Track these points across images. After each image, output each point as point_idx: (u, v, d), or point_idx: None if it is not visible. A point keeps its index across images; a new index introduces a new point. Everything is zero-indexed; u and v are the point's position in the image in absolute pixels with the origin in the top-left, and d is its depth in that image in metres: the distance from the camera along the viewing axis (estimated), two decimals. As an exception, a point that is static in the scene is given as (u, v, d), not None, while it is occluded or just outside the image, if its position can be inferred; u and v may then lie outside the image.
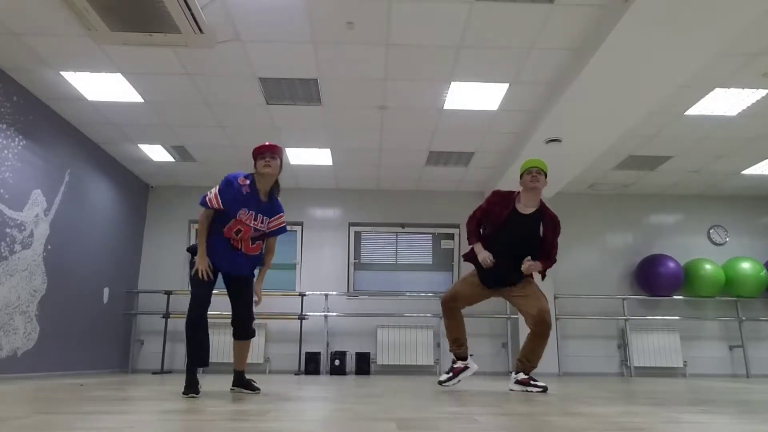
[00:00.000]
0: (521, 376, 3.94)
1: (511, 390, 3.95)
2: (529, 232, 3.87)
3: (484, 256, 3.87)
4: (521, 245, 3.89)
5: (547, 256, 3.91)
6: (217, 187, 3.34)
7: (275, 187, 3.46)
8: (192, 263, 3.46)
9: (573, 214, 8.63)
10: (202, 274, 3.34)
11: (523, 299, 3.91)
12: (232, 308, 3.61)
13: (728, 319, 8.19)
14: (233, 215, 3.32)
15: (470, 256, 4.07)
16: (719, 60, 4.90)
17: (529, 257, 3.88)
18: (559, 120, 5.65)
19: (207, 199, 3.32)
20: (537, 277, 4.00)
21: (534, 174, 3.86)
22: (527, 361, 3.92)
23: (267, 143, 3.38)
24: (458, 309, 4.11)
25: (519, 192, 3.99)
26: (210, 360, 3.63)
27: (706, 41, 4.21)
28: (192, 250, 3.53)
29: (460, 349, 4.13)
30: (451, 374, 4.15)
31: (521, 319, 4.18)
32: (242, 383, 3.68)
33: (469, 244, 4.06)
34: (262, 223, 3.39)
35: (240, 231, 3.38)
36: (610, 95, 5.11)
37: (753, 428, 1.94)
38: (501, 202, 3.94)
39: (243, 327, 3.59)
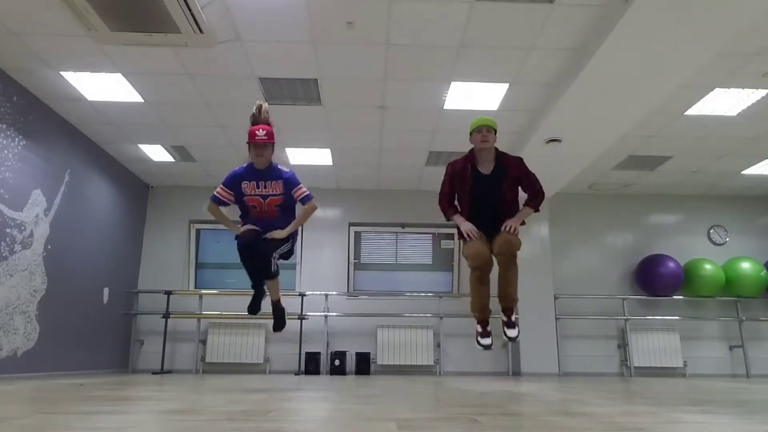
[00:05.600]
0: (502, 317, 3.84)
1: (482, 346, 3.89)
2: (498, 190, 3.76)
3: (467, 227, 3.76)
4: (497, 202, 3.78)
5: (533, 195, 3.79)
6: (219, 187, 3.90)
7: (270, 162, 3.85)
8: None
9: (573, 214, 8.63)
10: (243, 235, 3.76)
11: (498, 238, 3.71)
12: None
13: (728, 319, 8.19)
14: (241, 192, 3.79)
15: (448, 216, 3.99)
16: (719, 60, 4.90)
17: (507, 224, 3.66)
18: (559, 120, 5.65)
19: (215, 193, 3.89)
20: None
21: (484, 133, 3.72)
22: (503, 296, 3.75)
23: (258, 135, 3.66)
24: (489, 270, 3.82)
25: (470, 151, 3.86)
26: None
27: (706, 41, 4.21)
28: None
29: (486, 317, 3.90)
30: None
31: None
32: (274, 311, 4.13)
33: (448, 220, 3.97)
34: (266, 188, 3.80)
35: (255, 207, 3.84)
36: (610, 95, 5.10)
37: (753, 428, 1.94)
38: (460, 168, 3.84)
39: (262, 268, 3.89)
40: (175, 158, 7.47)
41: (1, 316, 5.21)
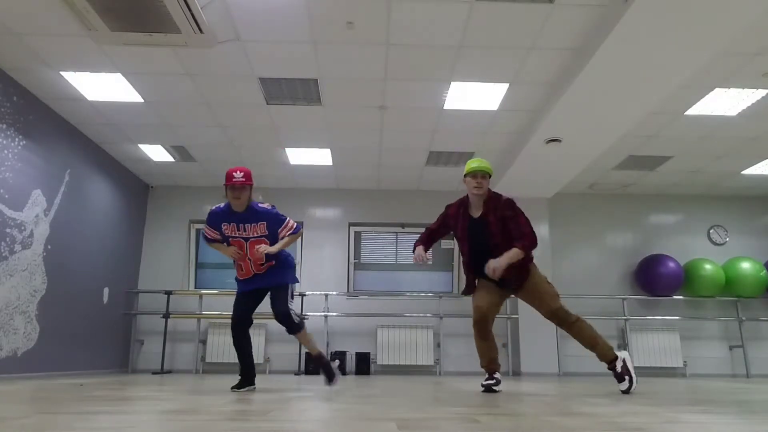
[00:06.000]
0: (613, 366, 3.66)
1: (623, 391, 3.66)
2: (488, 233, 3.70)
3: (418, 253, 3.89)
4: (488, 245, 3.70)
5: (519, 236, 3.60)
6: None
7: (248, 203, 3.76)
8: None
9: (573, 214, 8.63)
10: (234, 255, 3.80)
11: (535, 302, 3.80)
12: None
13: (728, 319, 8.19)
14: (223, 234, 3.80)
15: (469, 291, 3.93)
16: (719, 60, 4.90)
17: (488, 266, 3.58)
18: (559, 120, 5.65)
19: (203, 234, 3.97)
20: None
21: (479, 179, 3.69)
22: (592, 349, 3.68)
23: (235, 177, 3.61)
24: (490, 326, 3.84)
25: (466, 195, 3.87)
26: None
27: (706, 41, 4.21)
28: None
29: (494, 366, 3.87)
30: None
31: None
32: (316, 367, 4.17)
33: (417, 244, 3.98)
34: (245, 230, 3.75)
35: (240, 252, 3.79)
36: (611, 95, 5.11)
37: (753, 428, 1.94)
38: (454, 213, 3.85)
39: (286, 327, 3.86)
40: (175, 158, 7.47)
41: (1, 316, 5.21)
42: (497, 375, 3.85)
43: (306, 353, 3.62)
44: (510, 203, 3.70)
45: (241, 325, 3.87)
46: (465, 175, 3.81)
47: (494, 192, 3.82)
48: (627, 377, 3.58)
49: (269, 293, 3.89)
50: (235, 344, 3.88)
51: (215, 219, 3.77)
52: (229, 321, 3.93)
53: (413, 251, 3.99)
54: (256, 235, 3.74)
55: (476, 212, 3.79)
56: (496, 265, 3.51)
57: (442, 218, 3.99)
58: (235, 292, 3.98)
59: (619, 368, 3.60)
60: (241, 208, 3.70)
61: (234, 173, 3.60)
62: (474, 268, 3.83)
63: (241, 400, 2.99)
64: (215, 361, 7.70)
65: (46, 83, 5.47)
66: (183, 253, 8.36)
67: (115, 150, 7.22)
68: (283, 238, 3.76)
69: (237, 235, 3.74)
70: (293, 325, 3.80)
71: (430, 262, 3.96)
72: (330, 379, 3.92)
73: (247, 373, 3.85)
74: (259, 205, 3.77)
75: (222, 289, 8.02)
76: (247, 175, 3.64)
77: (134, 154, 7.35)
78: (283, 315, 3.77)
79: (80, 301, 6.62)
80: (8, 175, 5.29)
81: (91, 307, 6.91)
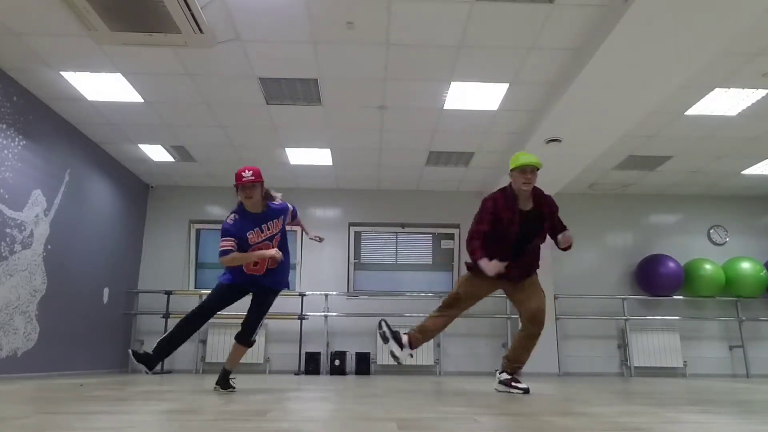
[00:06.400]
0: (504, 376, 3.86)
1: (496, 390, 3.90)
2: (536, 228, 3.77)
3: (496, 267, 3.61)
4: (531, 240, 3.80)
5: (564, 229, 3.82)
6: (221, 242, 3.62)
7: (264, 198, 3.74)
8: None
9: (573, 214, 8.60)
10: (277, 256, 3.66)
11: (524, 296, 3.83)
12: (247, 313, 3.88)
13: (728, 319, 8.19)
14: (247, 243, 3.65)
15: (474, 266, 3.86)
16: (719, 60, 4.90)
17: (566, 232, 3.76)
18: (559, 120, 5.65)
19: (221, 249, 3.60)
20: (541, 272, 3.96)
21: (528, 175, 3.69)
22: (515, 360, 3.84)
23: (244, 176, 3.58)
24: (460, 311, 3.94)
25: (509, 187, 3.82)
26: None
27: (706, 41, 4.21)
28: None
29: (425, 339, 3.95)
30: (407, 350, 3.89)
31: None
32: (225, 382, 3.86)
33: (474, 261, 3.74)
34: (268, 230, 3.72)
35: (274, 255, 3.67)
36: (611, 95, 5.10)
37: (753, 428, 1.94)
38: (503, 206, 3.75)
39: (248, 334, 3.81)
40: (175, 158, 7.47)
41: (1, 316, 5.21)
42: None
43: (229, 365, 3.51)
44: (552, 201, 3.86)
45: (208, 315, 3.74)
46: (512, 170, 3.76)
47: (535, 186, 3.82)
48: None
49: (253, 294, 3.85)
50: (185, 329, 3.67)
51: (236, 229, 3.61)
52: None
53: (475, 261, 3.72)
54: (277, 231, 3.76)
55: (526, 205, 3.78)
56: (569, 234, 3.74)
57: (491, 216, 3.75)
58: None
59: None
60: (257, 208, 3.67)
61: (243, 173, 3.58)
62: (509, 255, 3.73)
63: (241, 400, 2.99)
64: (215, 361, 7.68)
65: (46, 83, 5.47)
66: (183, 253, 8.36)
67: (115, 150, 7.22)
68: (297, 224, 3.96)
69: (263, 238, 3.69)
70: (253, 337, 3.82)
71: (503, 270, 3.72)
72: (227, 387, 3.82)
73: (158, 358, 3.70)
74: (273, 203, 3.78)
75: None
76: (257, 174, 3.60)
77: (134, 154, 7.35)
78: (258, 323, 3.81)
79: (80, 301, 6.62)
80: (8, 175, 5.28)
81: (91, 307, 6.91)
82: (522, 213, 3.74)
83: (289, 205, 3.92)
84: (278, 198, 3.83)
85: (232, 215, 3.66)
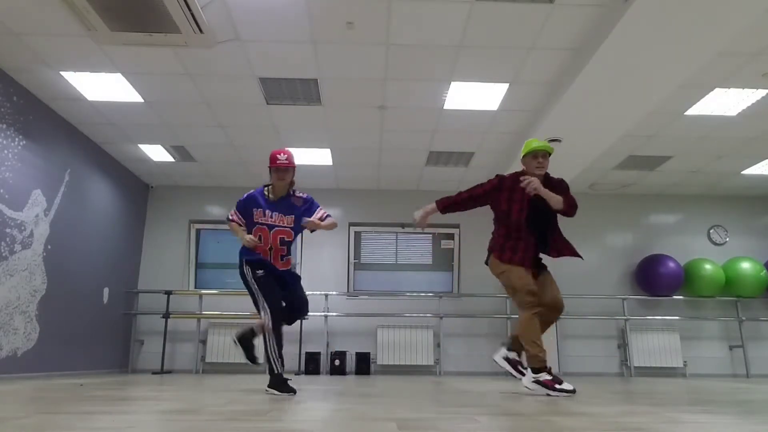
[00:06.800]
0: (514, 355, 3.84)
1: (494, 361, 3.86)
2: (543, 212, 3.77)
3: (422, 215, 3.89)
4: (545, 222, 3.80)
5: (572, 203, 3.77)
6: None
7: (290, 185, 3.80)
8: (250, 275, 3.71)
9: (573, 214, 8.61)
10: (249, 243, 3.66)
11: (543, 286, 3.80)
12: (287, 302, 3.88)
13: (728, 319, 8.19)
14: (251, 219, 3.72)
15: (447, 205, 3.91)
16: (719, 60, 4.90)
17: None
18: (559, 120, 5.65)
19: (229, 214, 3.85)
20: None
21: (539, 159, 3.75)
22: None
23: (279, 159, 3.67)
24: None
25: (523, 171, 3.85)
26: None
27: (706, 41, 4.21)
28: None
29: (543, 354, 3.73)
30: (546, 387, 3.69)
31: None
32: (249, 341, 3.85)
33: (443, 208, 3.89)
34: (272, 218, 3.72)
35: (261, 237, 3.69)
36: (610, 95, 5.11)
37: (753, 428, 1.94)
38: (511, 186, 3.77)
39: (297, 316, 3.95)
40: (175, 158, 7.47)
41: (1, 316, 5.21)
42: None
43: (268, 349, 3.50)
44: (562, 180, 3.89)
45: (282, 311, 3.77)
46: (524, 155, 3.83)
47: (546, 172, 3.87)
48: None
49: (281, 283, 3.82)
50: (280, 339, 3.68)
51: (249, 201, 3.72)
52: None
53: (444, 208, 3.85)
54: (282, 225, 3.73)
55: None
56: (536, 184, 3.62)
57: (490, 187, 3.79)
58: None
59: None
60: (282, 192, 3.73)
61: (278, 155, 3.67)
62: (524, 232, 3.73)
63: (241, 400, 2.99)
64: (215, 361, 7.69)
65: (46, 83, 5.47)
66: (183, 253, 8.36)
67: (115, 150, 7.22)
68: (323, 219, 3.77)
69: (263, 221, 3.70)
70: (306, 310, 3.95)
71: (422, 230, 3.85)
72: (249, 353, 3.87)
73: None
74: (294, 195, 3.80)
75: (222, 289, 8.01)
76: (290, 158, 3.71)
77: (134, 154, 7.35)
78: (304, 310, 3.94)
79: (80, 301, 6.62)
80: (8, 175, 5.28)
81: (91, 307, 6.91)
82: (534, 197, 3.74)
83: (315, 202, 3.91)
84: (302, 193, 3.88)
85: (258, 188, 3.79)
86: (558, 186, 3.85)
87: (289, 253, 3.83)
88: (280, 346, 3.63)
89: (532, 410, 2.50)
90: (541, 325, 3.76)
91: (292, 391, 3.45)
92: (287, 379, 3.57)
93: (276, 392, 3.48)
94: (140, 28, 4.38)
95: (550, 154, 3.82)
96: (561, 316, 4.27)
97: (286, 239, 3.75)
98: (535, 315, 3.67)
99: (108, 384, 4.51)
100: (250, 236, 3.66)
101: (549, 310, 3.80)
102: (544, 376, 3.68)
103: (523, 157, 3.85)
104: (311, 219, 3.70)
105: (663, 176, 7.97)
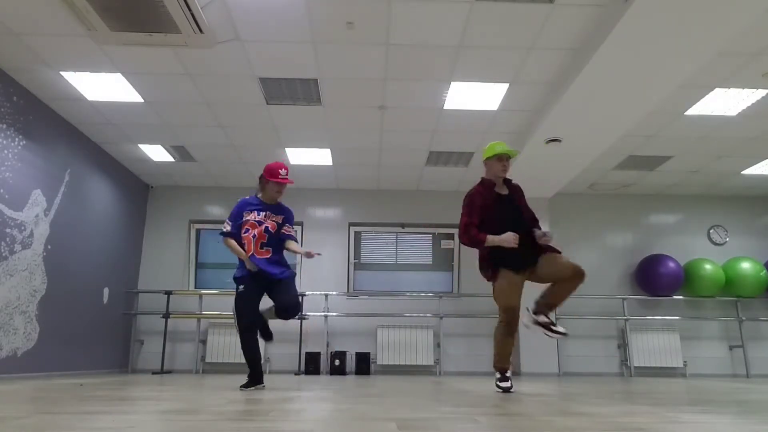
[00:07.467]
0: (543, 318, 3.83)
1: (525, 325, 3.92)
2: (515, 211, 3.90)
3: (507, 237, 3.68)
4: (514, 224, 3.81)
5: (534, 221, 3.97)
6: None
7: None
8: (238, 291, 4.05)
9: (573, 214, 8.62)
10: (252, 267, 3.95)
11: (553, 267, 3.75)
12: (276, 303, 4.04)
13: (728, 319, 8.19)
14: (243, 218, 3.97)
15: (487, 265, 3.89)
16: (719, 60, 4.90)
17: (544, 231, 3.80)
18: (559, 120, 5.65)
19: (222, 227, 4.03)
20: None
21: (504, 162, 3.93)
22: (552, 302, 3.82)
23: (281, 174, 3.96)
24: (518, 322, 3.94)
25: (484, 178, 4.03)
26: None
27: (706, 41, 4.21)
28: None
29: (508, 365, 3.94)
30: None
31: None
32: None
33: (485, 245, 3.80)
34: (265, 217, 3.97)
35: (248, 230, 3.94)
36: (610, 95, 5.11)
37: (753, 428, 1.94)
38: (482, 193, 3.94)
39: (286, 317, 4.08)
40: (175, 158, 7.47)
41: (1, 316, 5.21)
42: (509, 373, 3.95)
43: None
44: (519, 186, 4.09)
45: (254, 324, 4.05)
46: (488, 158, 3.97)
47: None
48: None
49: (269, 288, 4.03)
50: (248, 346, 4.05)
51: (243, 206, 4.01)
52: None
53: (485, 244, 3.79)
54: (269, 225, 3.99)
55: (502, 190, 3.99)
56: (549, 237, 3.78)
57: (479, 209, 3.86)
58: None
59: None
60: (275, 201, 4.07)
61: (280, 171, 3.95)
62: (505, 251, 3.76)
63: (241, 400, 2.99)
64: (215, 361, 7.70)
65: (46, 83, 5.47)
66: (183, 253, 8.36)
67: (115, 150, 7.22)
68: (290, 236, 4.09)
69: (255, 219, 3.95)
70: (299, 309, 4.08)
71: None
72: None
73: (256, 371, 4.07)
74: (282, 203, 4.16)
75: (222, 289, 8.01)
76: (288, 172, 4.04)
77: (134, 154, 7.35)
78: (297, 303, 4.01)
79: (80, 301, 6.62)
80: (8, 175, 5.28)
81: (91, 307, 6.91)
82: (501, 197, 3.95)
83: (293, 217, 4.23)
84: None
85: (244, 198, 4.09)
86: (516, 191, 4.04)
87: (270, 244, 3.98)
88: (251, 351, 4.06)
89: (532, 410, 2.50)
90: (567, 283, 3.74)
91: (250, 386, 3.92)
92: (246, 383, 3.97)
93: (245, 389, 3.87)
94: (140, 28, 4.38)
95: (511, 158, 4.00)
96: (561, 316, 4.28)
97: (270, 229, 3.97)
98: (505, 326, 3.87)
99: (108, 384, 4.51)
100: (251, 264, 3.90)
101: (566, 281, 3.73)
102: (543, 318, 3.87)
103: (487, 159, 3.98)
104: (305, 251, 4.01)
105: (663, 176, 7.97)
